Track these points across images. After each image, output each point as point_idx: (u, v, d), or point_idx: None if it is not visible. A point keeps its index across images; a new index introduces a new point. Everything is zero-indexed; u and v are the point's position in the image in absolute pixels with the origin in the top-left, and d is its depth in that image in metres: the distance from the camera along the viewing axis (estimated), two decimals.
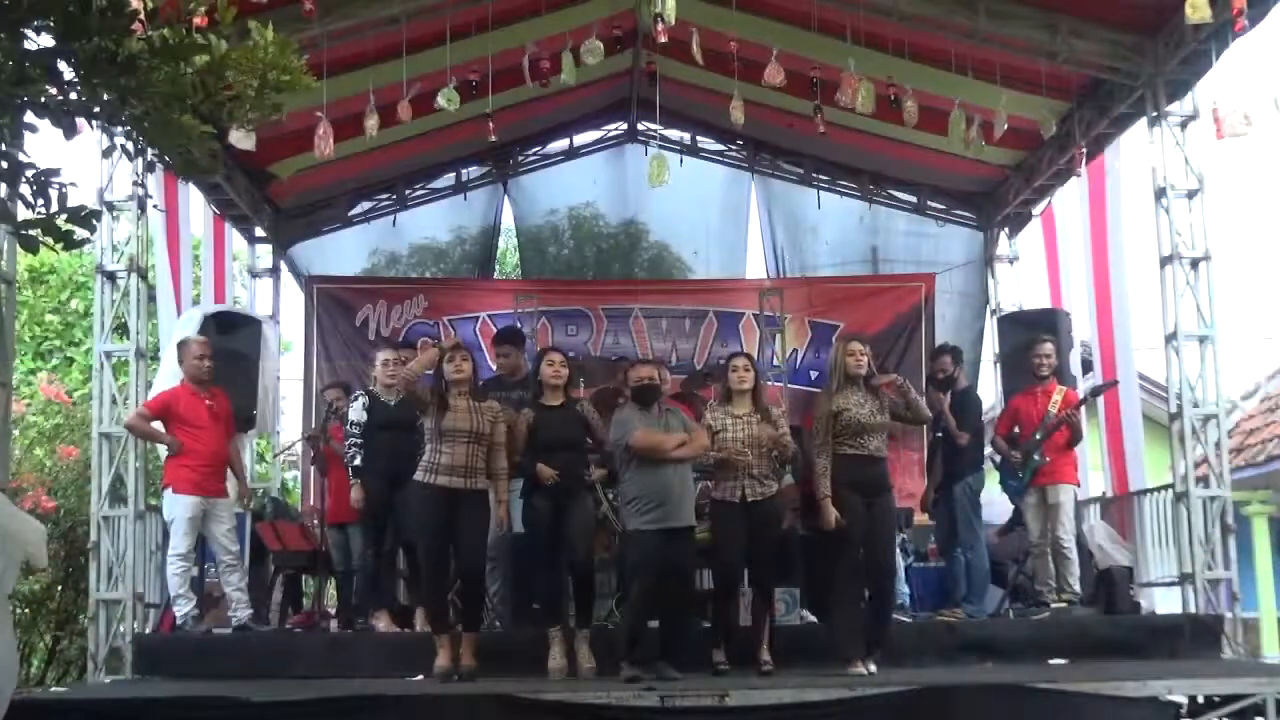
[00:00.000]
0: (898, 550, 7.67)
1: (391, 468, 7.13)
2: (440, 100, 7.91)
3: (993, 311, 11.25)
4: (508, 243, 13.81)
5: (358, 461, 7.44)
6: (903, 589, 8.17)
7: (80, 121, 4.02)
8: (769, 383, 10.12)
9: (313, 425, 9.69)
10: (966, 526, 7.95)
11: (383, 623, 7.43)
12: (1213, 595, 7.79)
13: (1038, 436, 7.95)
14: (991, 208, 11.31)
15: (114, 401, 7.96)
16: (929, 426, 8.41)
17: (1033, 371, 8.18)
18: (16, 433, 9.43)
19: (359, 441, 7.43)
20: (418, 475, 6.43)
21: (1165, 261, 8.11)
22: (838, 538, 6.41)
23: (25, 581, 8.94)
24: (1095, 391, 8.66)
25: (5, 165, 3.94)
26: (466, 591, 6.64)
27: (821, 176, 11.54)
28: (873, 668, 6.25)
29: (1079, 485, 8.48)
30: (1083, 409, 8.18)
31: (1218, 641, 7.39)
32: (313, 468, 8.89)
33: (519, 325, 10.21)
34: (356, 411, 7.48)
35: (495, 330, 9.49)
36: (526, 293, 11.06)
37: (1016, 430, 8.15)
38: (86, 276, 13.05)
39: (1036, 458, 7.92)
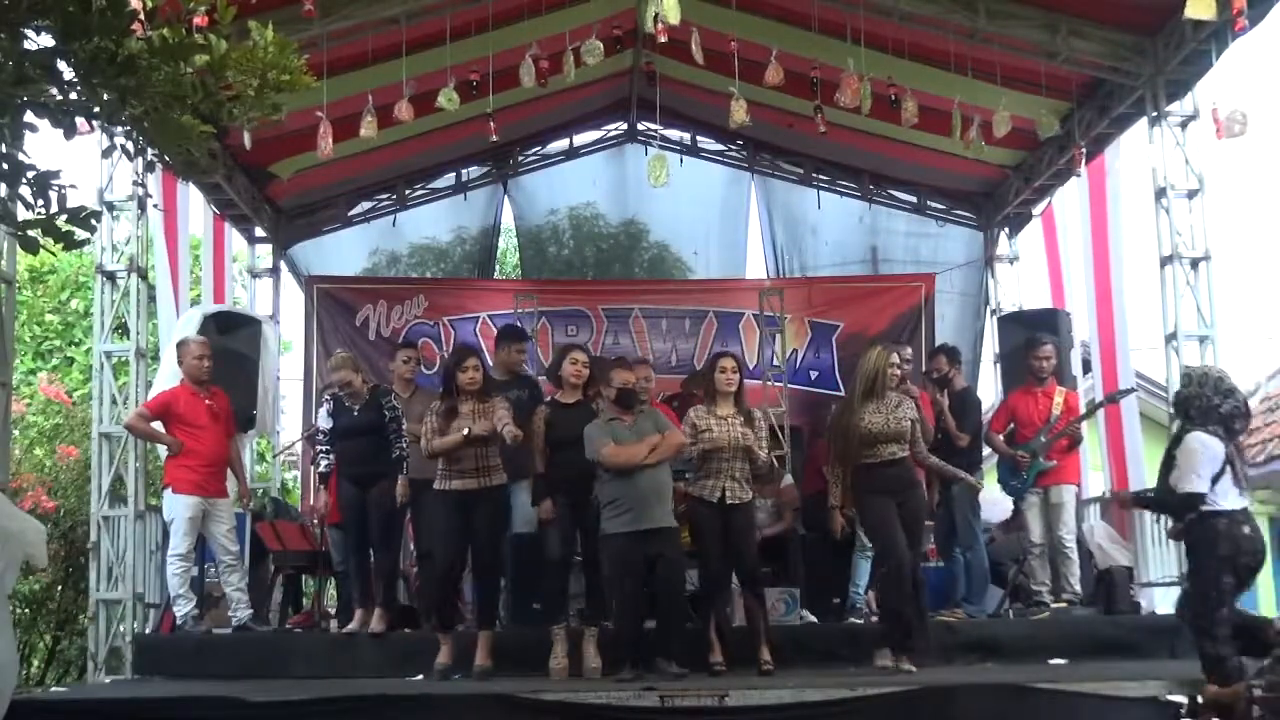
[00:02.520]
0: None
1: (361, 471, 7.18)
2: (440, 100, 7.91)
3: (993, 311, 11.25)
4: (508, 243, 13.82)
5: (323, 467, 7.42)
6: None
7: (80, 121, 4.02)
8: (769, 383, 10.14)
9: (312, 425, 9.68)
10: (965, 526, 7.94)
11: (356, 621, 7.31)
12: None
13: (1043, 439, 7.94)
14: (991, 208, 11.31)
15: (114, 401, 7.97)
16: None
17: (1033, 373, 8.18)
18: (16, 433, 9.44)
19: (327, 449, 7.38)
20: (436, 484, 6.52)
21: (1165, 261, 8.11)
22: (881, 547, 6.54)
23: (25, 581, 8.95)
24: (1111, 399, 8.63)
25: (5, 166, 3.94)
26: (482, 590, 6.66)
27: (821, 176, 11.53)
28: (907, 665, 6.23)
29: (1080, 485, 8.48)
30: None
31: None
32: (313, 468, 8.89)
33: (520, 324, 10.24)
34: (323, 419, 7.43)
35: (500, 329, 9.40)
36: (526, 293, 11.04)
37: (1012, 428, 8.15)
38: (86, 276, 13.04)
39: (1042, 460, 7.92)
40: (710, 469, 6.51)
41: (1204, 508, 5.50)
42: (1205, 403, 5.60)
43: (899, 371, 6.60)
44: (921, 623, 6.51)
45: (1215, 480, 5.49)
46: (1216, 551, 5.49)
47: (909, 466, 6.53)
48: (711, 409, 6.63)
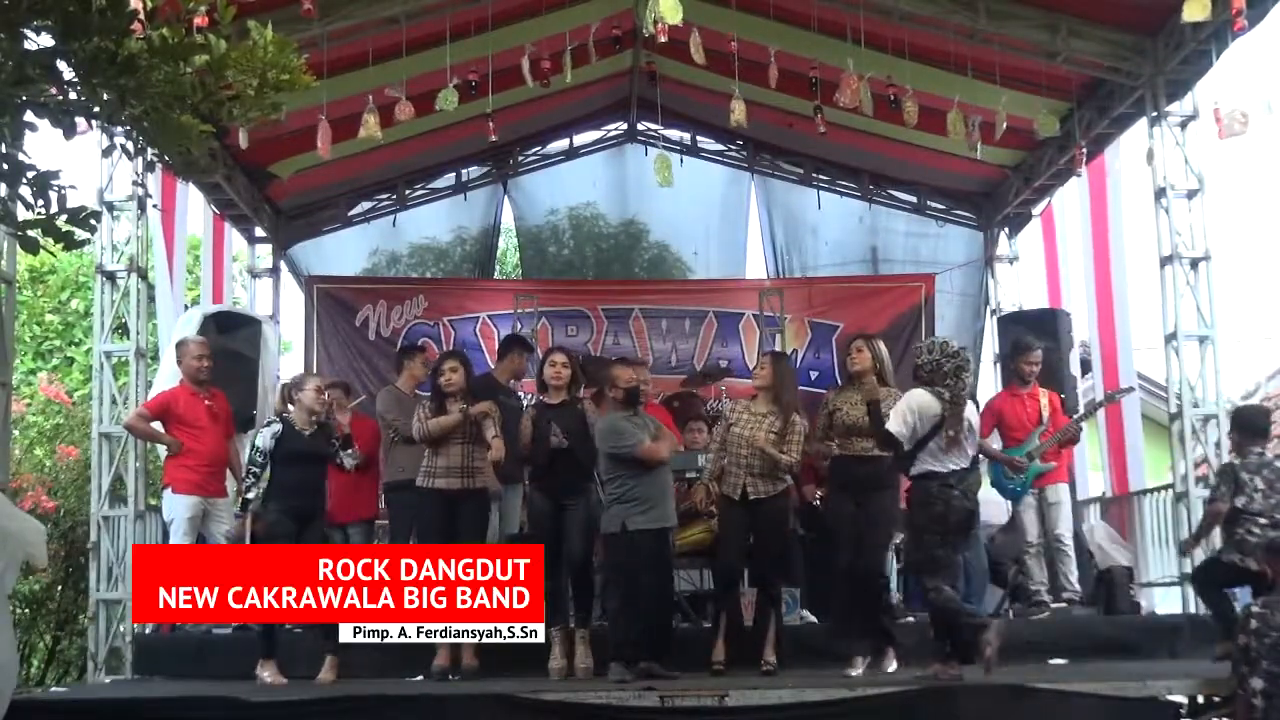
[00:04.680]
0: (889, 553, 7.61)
1: (299, 504, 6.57)
2: (439, 102, 7.91)
3: (993, 312, 11.24)
4: (508, 243, 13.82)
5: (252, 495, 6.57)
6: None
7: (80, 121, 4.02)
8: None
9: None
10: None
11: (269, 673, 6.57)
12: None
13: (1037, 442, 7.92)
14: (991, 208, 11.30)
15: (114, 401, 7.97)
16: None
17: (1019, 377, 8.16)
18: (16, 433, 9.43)
19: (257, 472, 6.61)
20: (419, 481, 6.55)
21: (1165, 261, 8.11)
22: (831, 540, 6.58)
23: (25, 581, 8.94)
24: (1110, 398, 8.62)
25: (5, 166, 3.94)
26: None
27: (821, 176, 11.53)
28: (857, 671, 6.26)
29: (1069, 482, 8.48)
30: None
31: None
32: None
33: (520, 327, 10.25)
34: (264, 439, 6.66)
35: (504, 334, 9.40)
36: (526, 293, 11.05)
37: (996, 433, 8.14)
38: (86, 276, 13.04)
39: (1039, 463, 7.92)
40: (729, 465, 6.54)
41: (915, 470, 5.89)
42: (934, 366, 5.94)
43: (859, 355, 6.61)
44: (873, 622, 6.49)
45: (924, 442, 5.84)
46: (929, 511, 5.85)
47: (879, 470, 6.46)
48: (750, 402, 6.73)
